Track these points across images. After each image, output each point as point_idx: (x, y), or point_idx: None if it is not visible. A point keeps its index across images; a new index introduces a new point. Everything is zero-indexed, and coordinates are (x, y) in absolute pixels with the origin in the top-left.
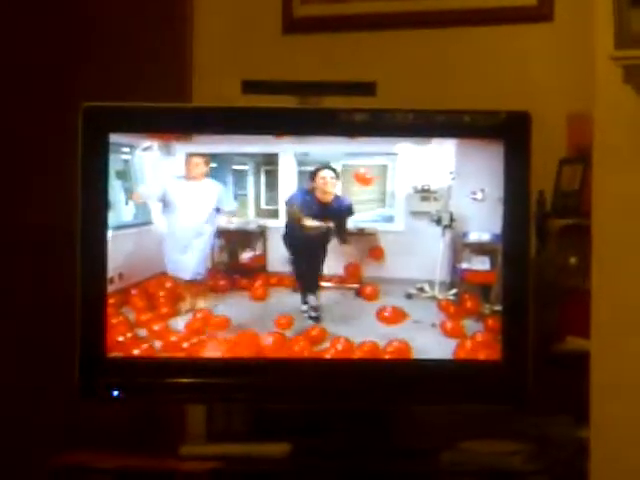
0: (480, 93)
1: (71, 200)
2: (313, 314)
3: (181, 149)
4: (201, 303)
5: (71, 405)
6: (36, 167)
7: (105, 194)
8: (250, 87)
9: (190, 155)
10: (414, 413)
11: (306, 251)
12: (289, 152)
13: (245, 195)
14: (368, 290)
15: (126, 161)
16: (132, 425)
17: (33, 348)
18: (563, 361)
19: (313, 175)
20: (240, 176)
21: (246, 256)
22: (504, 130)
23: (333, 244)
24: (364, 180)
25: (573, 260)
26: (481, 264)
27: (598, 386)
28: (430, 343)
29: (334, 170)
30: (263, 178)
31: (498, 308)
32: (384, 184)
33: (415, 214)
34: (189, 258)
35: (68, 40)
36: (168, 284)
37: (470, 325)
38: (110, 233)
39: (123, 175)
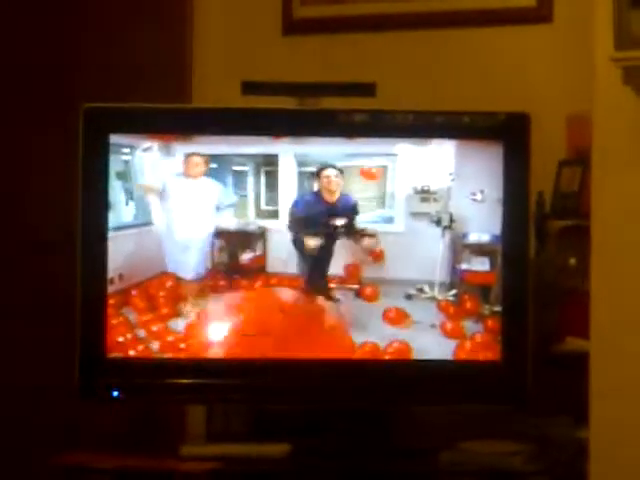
0: (480, 94)
1: (71, 201)
2: None
3: (181, 150)
4: (201, 303)
5: (71, 405)
6: (36, 167)
7: (105, 195)
8: (250, 88)
9: (189, 154)
10: (414, 413)
11: (315, 254)
12: (289, 153)
13: (245, 196)
14: (368, 291)
15: (126, 162)
16: (132, 425)
17: (33, 348)
18: (563, 362)
19: (317, 175)
20: (240, 177)
21: (246, 257)
22: (504, 131)
23: (341, 243)
24: (370, 175)
25: (572, 261)
26: (481, 265)
27: (597, 387)
28: (430, 344)
29: (337, 168)
30: (263, 179)
31: (498, 309)
32: (384, 185)
33: (415, 215)
34: (189, 258)
35: (68, 41)
36: (169, 284)
37: (470, 326)
38: (110, 234)
39: (123, 176)
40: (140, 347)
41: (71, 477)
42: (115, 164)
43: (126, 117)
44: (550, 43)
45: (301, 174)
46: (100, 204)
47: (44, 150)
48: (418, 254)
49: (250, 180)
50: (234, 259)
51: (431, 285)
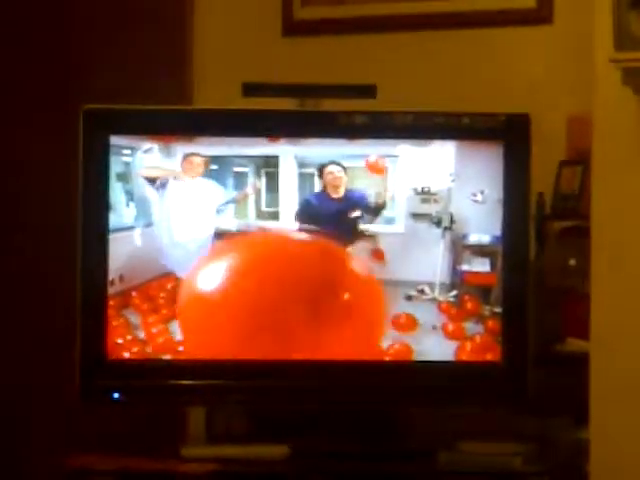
0: (480, 95)
1: (72, 202)
2: None
3: (182, 151)
4: None
5: (72, 408)
6: (36, 169)
7: (106, 196)
8: (250, 89)
9: (188, 154)
10: (414, 414)
11: None
12: (289, 154)
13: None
14: None
15: (127, 163)
16: (132, 427)
17: (33, 351)
18: (563, 362)
19: (320, 172)
20: (241, 178)
21: None
22: (504, 132)
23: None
24: (377, 169)
25: (573, 262)
26: (481, 266)
27: (598, 387)
28: (431, 345)
29: (340, 164)
30: (264, 180)
31: (498, 310)
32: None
33: (415, 216)
34: (189, 259)
35: (68, 42)
36: (169, 285)
37: (470, 327)
38: (111, 235)
39: (124, 177)
40: (141, 349)
41: (72, 479)
42: (115, 165)
43: (126, 118)
44: (550, 44)
45: (302, 175)
46: (100, 205)
47: (44, 151)
48: (418, 255)
49: (250, 181)
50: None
51: (432, 286)
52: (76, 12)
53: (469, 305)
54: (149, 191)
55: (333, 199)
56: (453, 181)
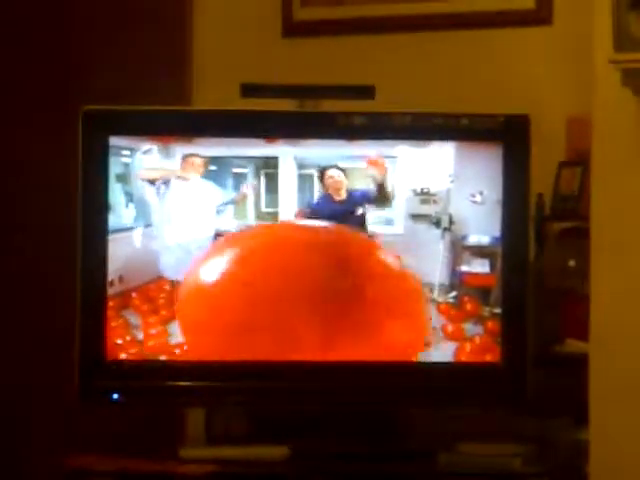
0: (479, 96)
1: (71, 203)
2: None
3: (181, 152)
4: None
5: (71, 408)
6: (36, 169)
7: (105, 197)
8: (249, 90)
9: (187, 155)
10: (414, 415)
11: None
12: (288, 155)
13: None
14: None
15: (126, 164)
16: (131, 428)
17: (33, 351)
18: (562, 363)
19: (321, 177)
20: (240, 179)
21: None
22: (503, 133)
23: None
24: (377, 165)
25: (572, 263)
26: (480, 267)
27: (597, 388)
28: (431, 346)
29: (340, 168)
30: (263, 181)
31: (498, 311)
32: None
33: (415, 217)
34: (189, 260)
35: (67, 43)
36: (167, 286)
37: (470, 328)
38: (110, 236)
39: (123, 178)
40: (140, 350)
41: (71, 479)
42: (115, 166)
43: (126, 119)
44: (549, 45)
45: (301, 176)
46: (100, 206)
47: (44, 152)
48: (418, 256)
49: (248, 181)
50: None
51: (431, 287)
52: (76, 12)
53: (468, 306)
54: (149, 193)
55: (337, 201)
56: (452, 182)
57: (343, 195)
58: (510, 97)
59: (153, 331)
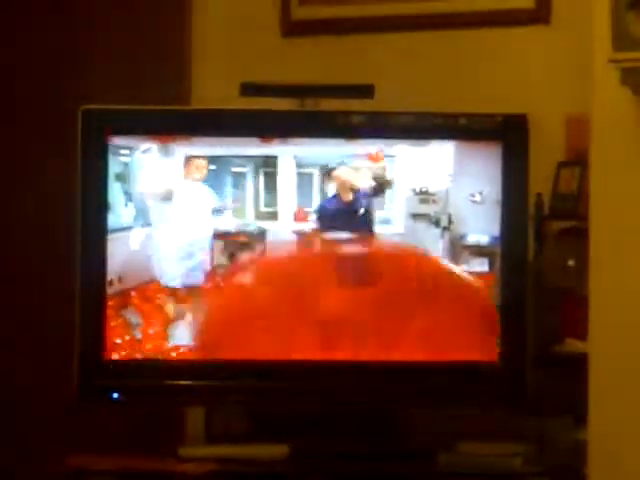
0: (478, 96)
1: (70, 202)
2: None
3: (180, 151)
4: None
5: (70, 407)
6: (35, 169)
7: (104, 196)
8: (249, 90)
9: (190, 157)
10: (414, 415)
11: None
12: (288, 154)
13: (244, 197)
14: None
15: (125, 163)
16: (131, 427)
17: (32, 351)
18: (562, 363)
19: (328, 178)
20: (239, 178)
21: (245, 258)
22: (502, 133)
23: None
24: (377, 160)
25: (571, 262)
26: (480, 266)
27: (597, 388)
28: None
29: (346, 167)
30: (262, 180)
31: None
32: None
33: (414, 216)
34: (189, 261)
35: (67, 42)
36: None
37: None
38: (109, 235)
39: (122, 177)
40: (139, 349)
41: (71, 479)
42: (114, 166)
43: (125, 119)
44: (548, 44)
45: (300, 175)
46: (99, 206)
47: (43, 151)
48: None
49: (249, 181)
50: (233, 261)
51: None
52: (76, 12)
53: None
54: (149, 200)
55: (345, 202)
56: (451, 181)
57: (350, 196)
58: (509, 97)
59: (152, 330)
